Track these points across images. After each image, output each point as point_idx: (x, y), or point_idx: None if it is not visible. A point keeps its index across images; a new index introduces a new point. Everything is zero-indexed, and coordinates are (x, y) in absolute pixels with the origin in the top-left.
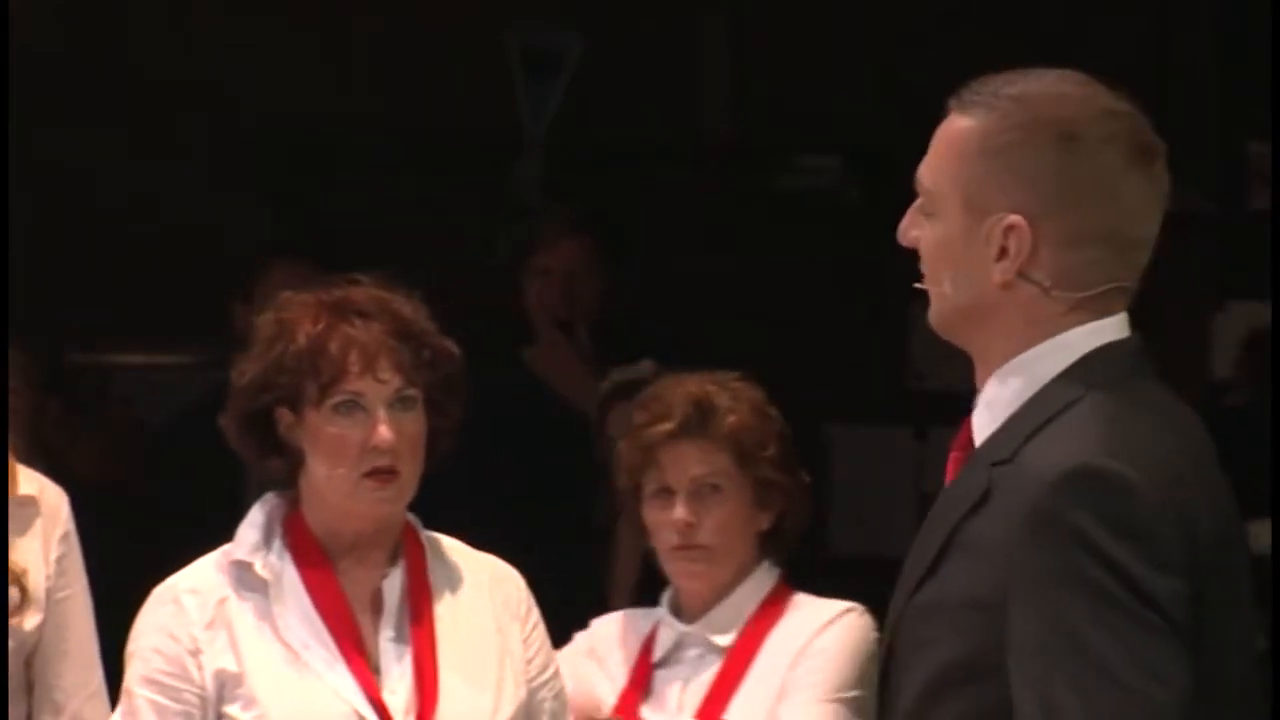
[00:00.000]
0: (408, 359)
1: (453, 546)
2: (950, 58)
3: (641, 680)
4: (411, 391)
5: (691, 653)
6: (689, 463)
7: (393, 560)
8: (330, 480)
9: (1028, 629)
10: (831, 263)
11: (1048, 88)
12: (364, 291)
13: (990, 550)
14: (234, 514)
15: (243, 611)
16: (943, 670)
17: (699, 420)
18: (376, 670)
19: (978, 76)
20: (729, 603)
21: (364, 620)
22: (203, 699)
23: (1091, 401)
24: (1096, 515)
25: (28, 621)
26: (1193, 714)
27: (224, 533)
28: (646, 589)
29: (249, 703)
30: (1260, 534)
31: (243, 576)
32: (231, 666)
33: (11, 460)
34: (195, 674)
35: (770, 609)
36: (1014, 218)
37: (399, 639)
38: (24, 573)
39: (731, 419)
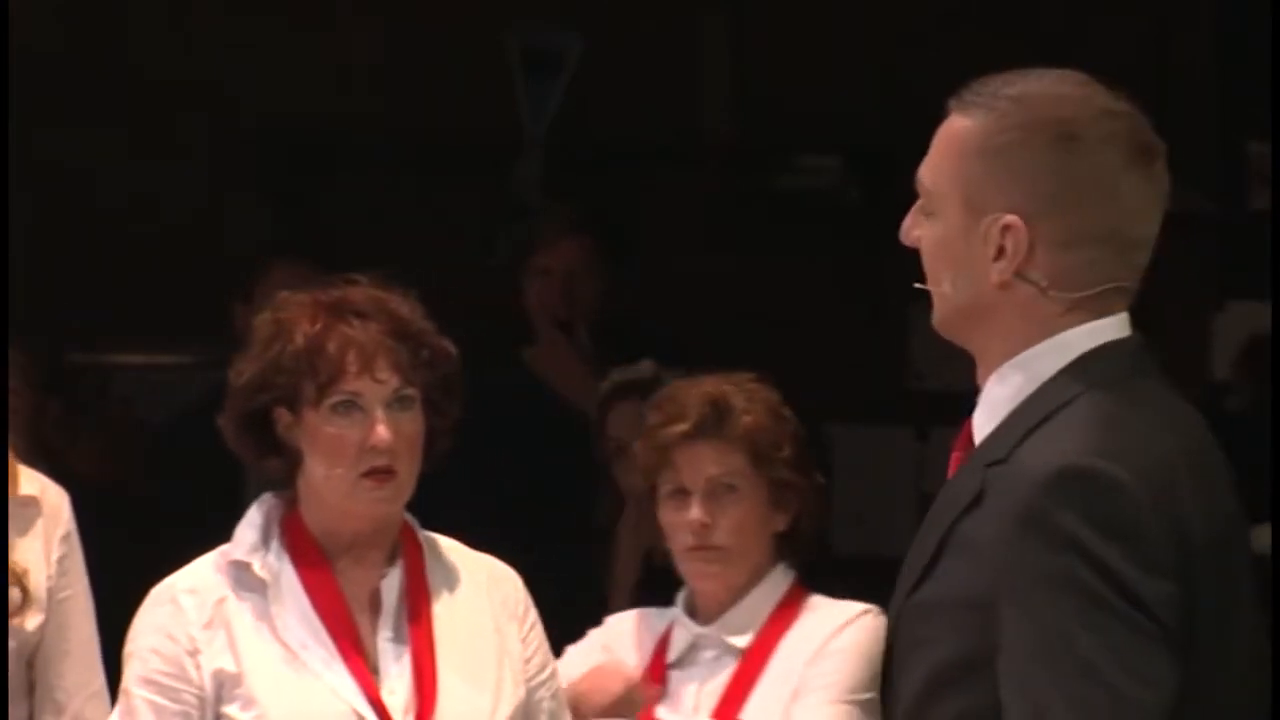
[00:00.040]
0: (405, 359)
1: (450, 546)
2: (950, 58)
3: (656, 679)
4: (409, 391)
5: (707, 654)
6: (704, 463)
7: (391, 560)
8: (328, 480)
9: (1016, 629)
10: (831, 263)
11: (1047, 88)
12: (361, 291)
13: (983, 550)
14: (234, 514)
15: (241, 611)
16: (939, 670)
17: (714, 421)
18: (375, 670)
19: (978, 76)
20: (745, 604)
21: (362, 620)
22: (201, 699)
23: (1087, 401)
24: (1085, 516)
25: (29, 622)
26: (1188, 716)
27: (224, 533)
28: (646, 589)
29: (248, 703)
30: (1260, 536)
31: (241, 577)
32: (230, 666)
33: (13, 460)
34: (193, 674)
35: (786, 611)
36: (1010, 218)
37: (397, 639)
38: (25, 573)
39: (747, 419)
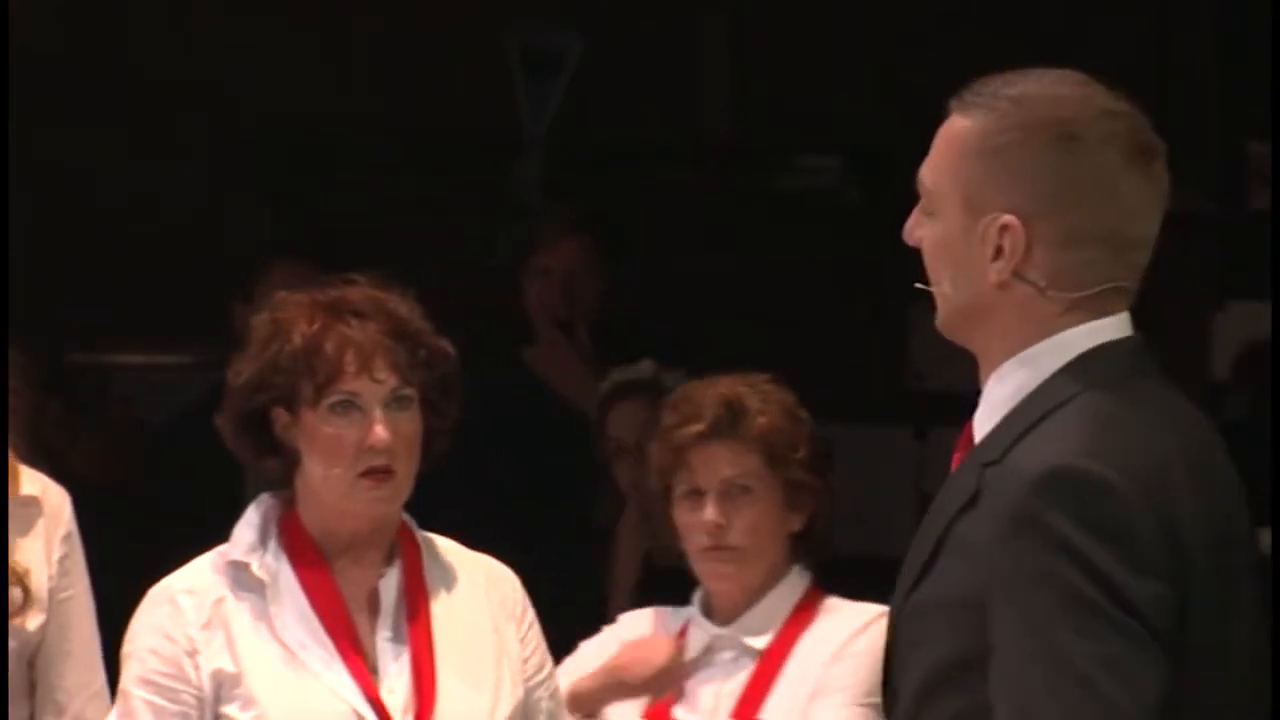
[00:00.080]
0: (404, 359)
1: (448, 547)
2: (950, 58)
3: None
4: (407, 391)
5: (725, 655)
6: (719, 464)
7: (389, 560)
8: (326, 480)
9: (1005, 630)
10: (831, 263)
11: (1047, 88)
12: (359, 291)
13: (977, 550)
14: (233, 514)
15: (239, 612)
16: (936, 670)
17: (729, 421)
18: (374, 670)
19: (978, 76)
20: (763, 606)
21: (360, 620)
22: (200, 699)
23: (1082, 401)
24: (1074, 517)
25: (30, 622)
26: (1186, 717)
27: (224, 533)
28: (646, 589)
29: (247, 702)
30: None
31: (239, 577)
32: (229, 667)
33: (14, 460)
34: (192, 674)
35: (804, 612)
36: (1007, 217)
37: (396, 639)
38: (27, 573)
39: (762, 420)
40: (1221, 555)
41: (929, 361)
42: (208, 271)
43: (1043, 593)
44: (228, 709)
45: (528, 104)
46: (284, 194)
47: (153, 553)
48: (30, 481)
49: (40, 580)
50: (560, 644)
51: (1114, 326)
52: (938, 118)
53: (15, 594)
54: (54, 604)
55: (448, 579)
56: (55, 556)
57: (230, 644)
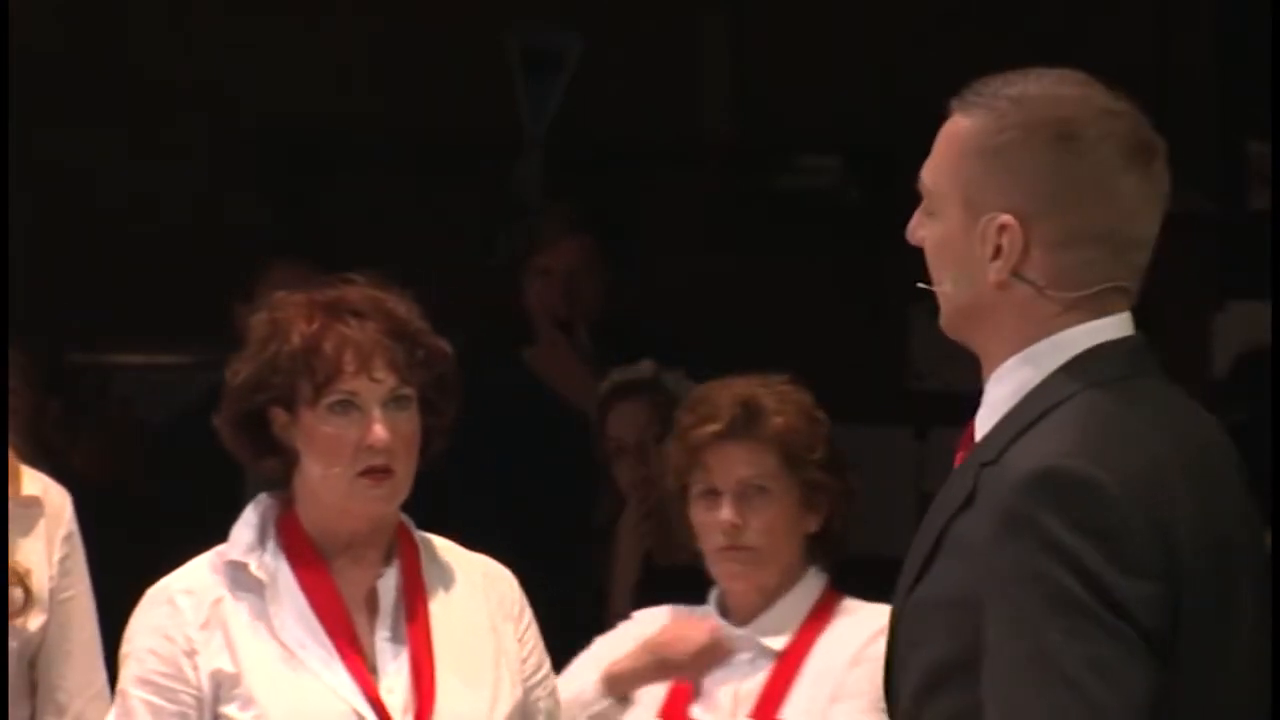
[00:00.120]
0: (402, 358)
1: (445, 546)
2: (950, 58)
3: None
4: (406, 391)
5: (742, 655)
6: (736, 464)
7: (387, 560)
8: (325, 480)
9: (995, 630)
10: (831, 263)
11: (1046, 88)
12: (358, 291)
13: (973, 551)
14: (233, 514)
15: (238, 611)
16: (934, 669)
17: (746, 422)
18: (373, 669)
19: (978, 76)
20: (780, 607)
21: (359, 620)
22: (199, 699)
23: (1079, 401)
24: (1064, 517)
25: (32, 622)
26: (1183, 717)
27: (224, 533)
28: (646, 589)
29: (247, 702)
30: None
31: (238, 577)
32: (228, 667)
33: (15, 461)
34: (191, 674)
35: (821, 613)
36: (1005, 217)
37: (395, 638)
38: (28, 573)
39: (779, 421)
40: (1221, 557)
41: (929, 361)
42: (208, 271)
43: (1032, 593)
44: (227, 709)
45: (528, 104)
46: (284, 194)
47: (153, 553)
48: (32, 482)
49: (41, 580)
50: (560, 644)
51: (1114, 326)
52: (938, 118)
53: (16, 594)
54: (55, 604)
55: (446, 579)
56: (56, 557)
57: (229, 644)
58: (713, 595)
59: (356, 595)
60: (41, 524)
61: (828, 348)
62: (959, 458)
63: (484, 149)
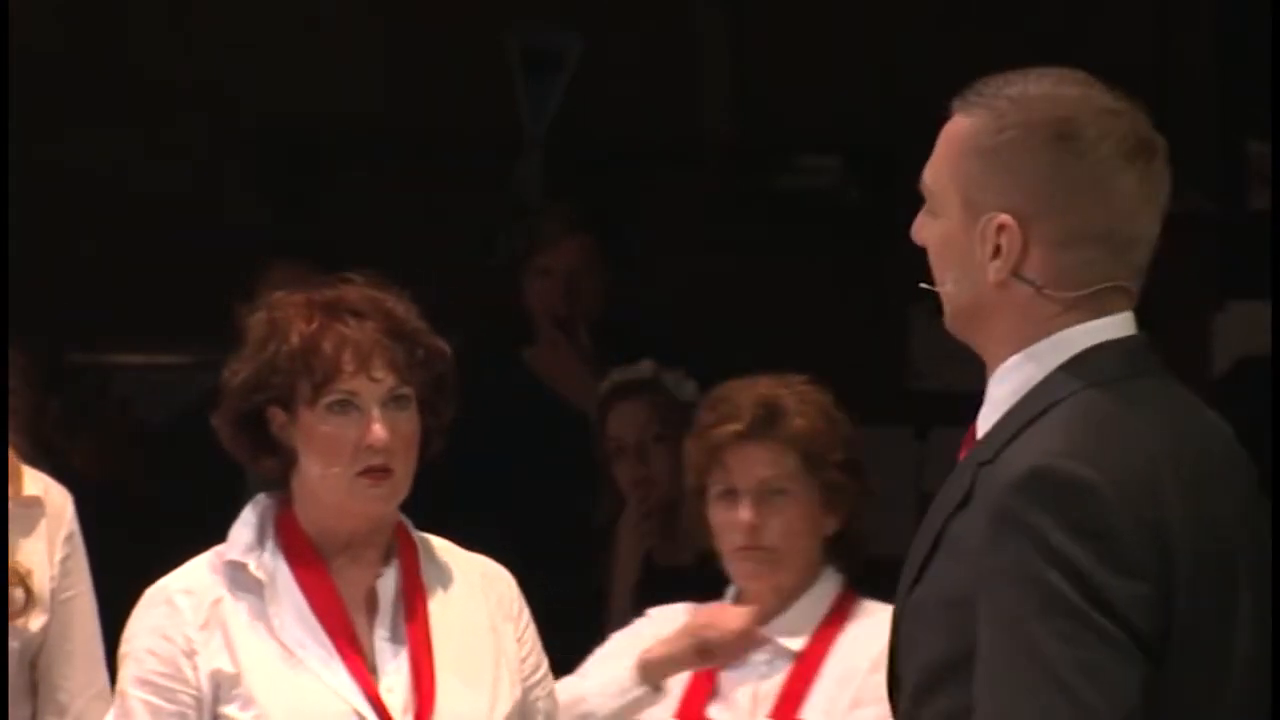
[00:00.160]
0: (401, 358)
1: (443, 546)
2: (950, 58)
3: (708, 679)
4: (405, 390)
5: (760, 656)
6: (755, 464)
7: (386, 560)
8: (324, 479)
9: (987, 631)
10: (831, 263)
11: (1046, 88)
12: (357, 291)
13: (969, 550)
14: (233, 514)
15: (237, 611)
16: (932, 668)
17: (766, 422)
18: (373, 669)
19: (978, 76)
20: (798, 608)
21: (358, 619)
22: (198, 700)
23: (1076, 401)
24: (1055, 517)
25: (33, 622)
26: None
27: (224, 533)
28: (646, 589)
29: (247, 702)
30: None
31: (237, 577)
32: (227, 667)
33: (16, 461)
34: (190, 675)
35: (839, 615)
36: (1004, 217)
37: (394, 638)
38: (29, 573)
39: (799, 422)
40: (1219, 558)
41: (929, 361)
42: (208, 271)
43: (1023, 594)
44: (227, 709)
45: (528, 104)
46: (284, 194)
47: (153, 553)
48: (33, 482)
49: (42, 581)
50: (560, 644)
51: (1115, 326)
52: (938, 118)
53: (17, 594)
54: (56, 604)
55: (444, 579)
56: (57, 557)
57: (228, 644)
58: (728, 594)
59: (356, 595)
60: (43, 524)
61: (828, 348)
62: (961, 458)
63: (484, 149)
